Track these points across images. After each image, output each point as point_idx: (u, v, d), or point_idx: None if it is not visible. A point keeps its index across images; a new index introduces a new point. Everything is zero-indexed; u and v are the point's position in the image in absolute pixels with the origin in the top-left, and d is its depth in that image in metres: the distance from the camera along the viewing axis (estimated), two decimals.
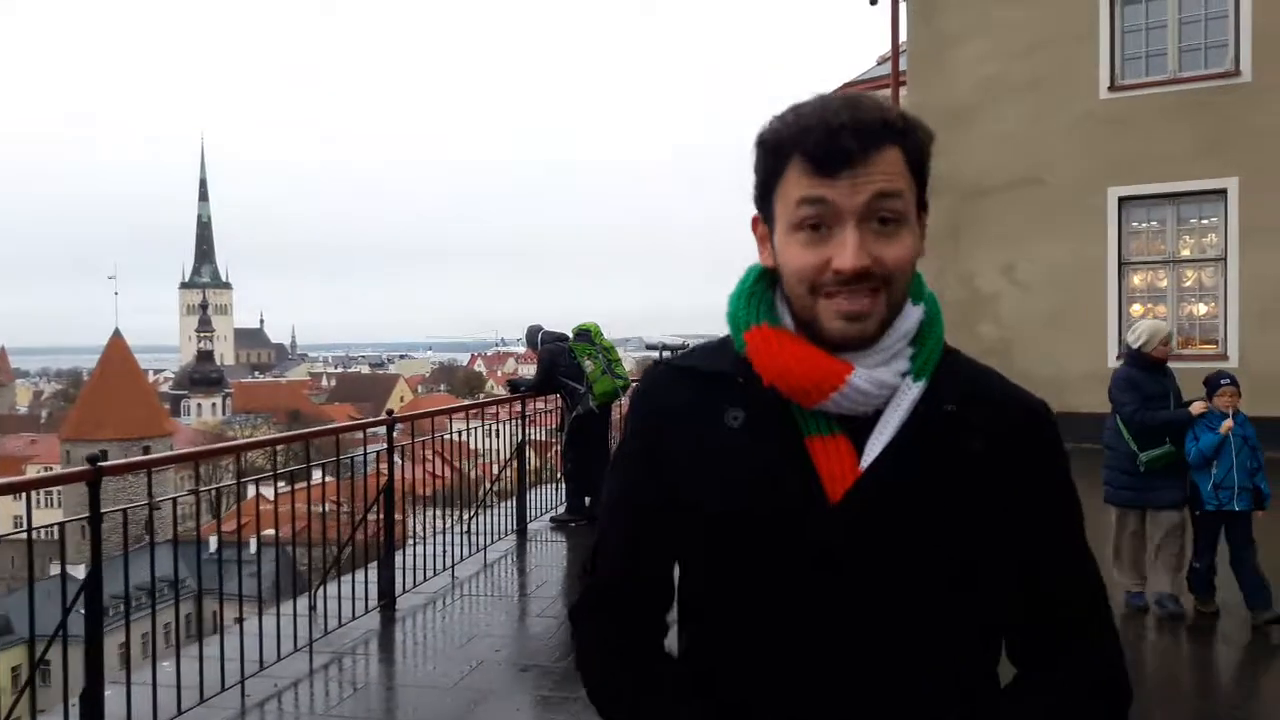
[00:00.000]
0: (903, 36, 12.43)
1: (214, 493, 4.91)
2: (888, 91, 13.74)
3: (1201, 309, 10.70)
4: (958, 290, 11.47)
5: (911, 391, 1.02)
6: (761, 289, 1.09)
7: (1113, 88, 10.83)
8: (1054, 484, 1.08)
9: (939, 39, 11.76)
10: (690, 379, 1.10)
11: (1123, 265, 10.88)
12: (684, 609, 1.13)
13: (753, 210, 1.10)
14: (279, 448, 5.21)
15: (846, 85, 16.57)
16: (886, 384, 1.01)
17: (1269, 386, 9.90)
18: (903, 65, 12.57)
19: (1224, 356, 10.31)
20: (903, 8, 12.38)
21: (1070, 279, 10.91)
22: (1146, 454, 5.00)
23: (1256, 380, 10.09)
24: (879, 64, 16.21)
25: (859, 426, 1.02)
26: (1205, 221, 10.70)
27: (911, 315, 1.04)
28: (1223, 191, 10.34)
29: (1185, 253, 10.77)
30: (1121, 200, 10.82)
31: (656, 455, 1.09)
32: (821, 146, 0.97)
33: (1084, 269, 10.88)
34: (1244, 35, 10.22)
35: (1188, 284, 10.78)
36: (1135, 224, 10.93)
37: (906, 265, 1.00)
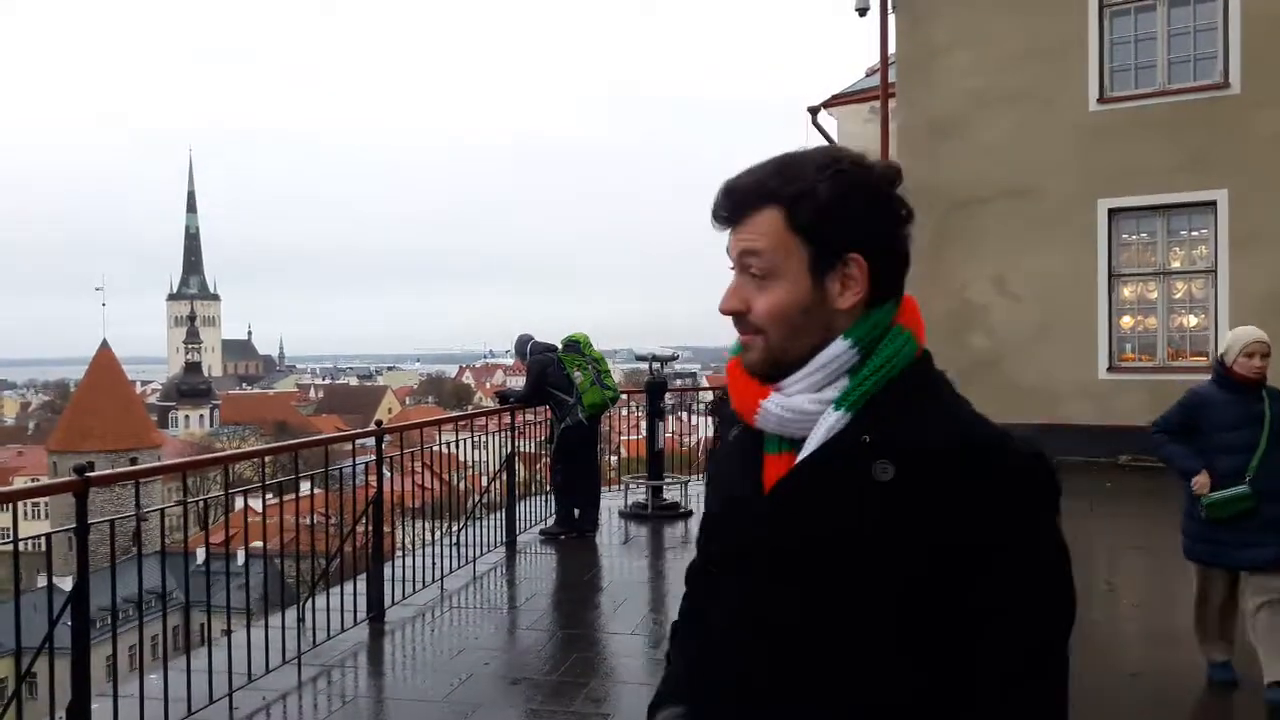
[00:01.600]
0: (892, 48, 12.48)
1: (202, 504, 4.86)
2: (876, 103, 13.82)
3: (1192, 320, 10.74)
4: (948, 302, 11.49)
5: (829, 419, 1.11)
6: None
7: (1102, 99, 10.89)
8: (1001, 541, 1.02)
9: (928, 50, 11.81)
10: (726, 405, 1.29)
11: (1113, 277, 10.92)
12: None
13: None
14: (267, 459, 5.17)
15: (835, 97, 16.64)
16: (801, 410, 1.12)
17: None
18: (892, 76, 12.62)
19: None
20: (891, 19, 12.45)
21: (1060, 291, 10.94)
22: (1209, 498, 4.03)
23: None
24: (868, 75, 16.28)
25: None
26: (1195, 233, 10.75)
27: (832, 349, 1.11)
28: (1212, 203, 10.39)
29: (1175, 264, 10.81)
30: (1111, 212, 10.86)
31: (710, 479, 1.36)
32: (713, 208, 1.16)
33: (1074, 280, 10.92)
34: (1233, 48, 10.28)
35: (1178, 296, 10.82)
36: (1125, 236, 10.98)
37: (769, 312, 1.12)
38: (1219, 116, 10.28)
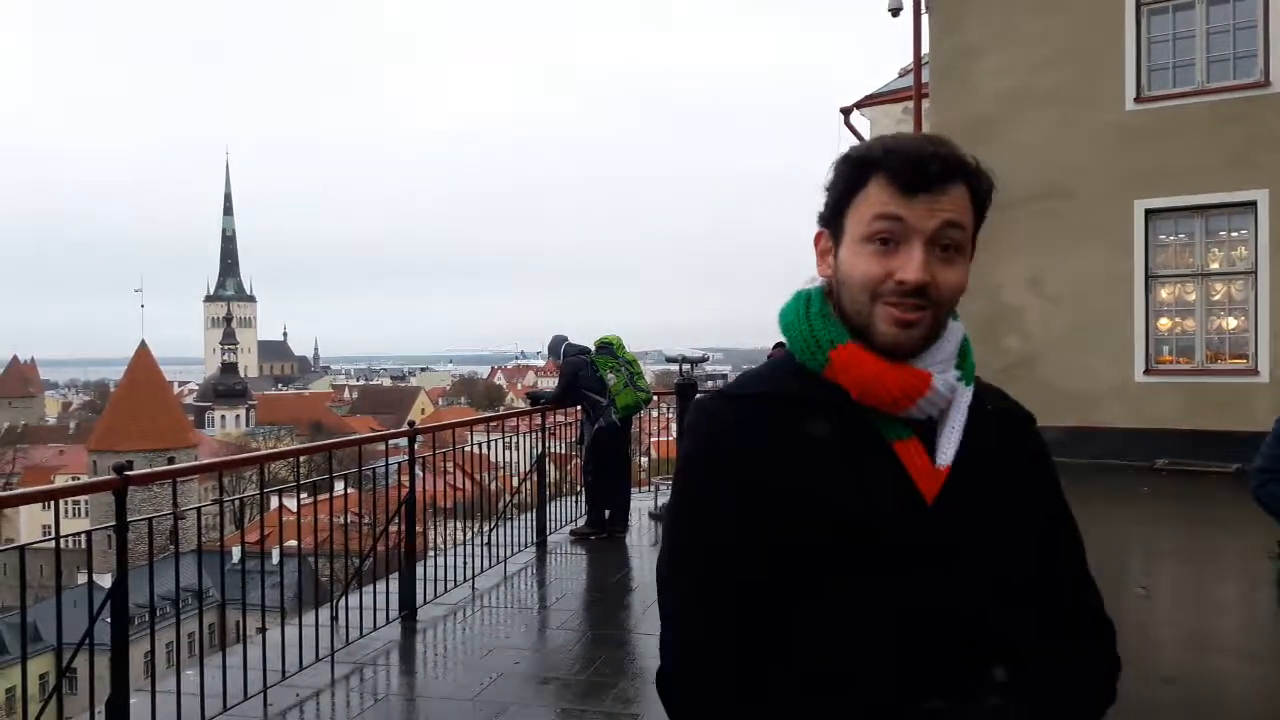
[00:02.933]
0: (925, 48, 12.40)
1: (237, 503, 4.94)
2: (910, 104, 13.72)
3: (1231, 323, 10.56)
4: (983, 303, 11.37)
5: (966, 395, 1.14)
6: (829, 310, 1.16)
7: (1139, 99, 10.74)
8: (1056, 480, 1.22)
9: (961, 51, 11.71)
10: (759, 404, 1.14)
11: (1150, 278, 10.77)
12: (767, 644, 1.09)
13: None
14: (301, 459, 5.24)
15: (869, 98, 16.56)
16: (954, 387, 1.13)
17: None
18: (925, 77, 12.53)
19: (1255, 371, 10.17)
20: (924, 20, 12.36)
21: (1097, 292, 10.81)
22: None
23: None
24: (900, 76, 16.18)
25: (927, 431, 1.13)
26: (1234, 234, 10.56)
27: (957, 331, 1.16)
28: (1252, 204, 10.21)
29: (1214, 266, 10.64)
30: (1149, 213, 10.70)
31: (740, 492, 1.10)
32: (907, 169, 1.08)
33: (1111, 282, 10.77)
34: (1274, 45, 10.10)
35: (1216, 297, 10.64)
36: (1163, 237, 10.82)
37: (957, 290, 1.11)
38: (1259, 115, 10.10)
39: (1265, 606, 5.42)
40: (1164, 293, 10.83)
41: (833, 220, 1.15)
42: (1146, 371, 10.70)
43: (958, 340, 1.16)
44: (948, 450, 1.11)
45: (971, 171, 1.11)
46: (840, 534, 1.07)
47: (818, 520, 1.07)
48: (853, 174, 1.12)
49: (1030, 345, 10.99)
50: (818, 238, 1.19)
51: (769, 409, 1.13)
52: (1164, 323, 10.83)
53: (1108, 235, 10.79)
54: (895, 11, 13.37)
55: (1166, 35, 10.72)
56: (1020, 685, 1.10)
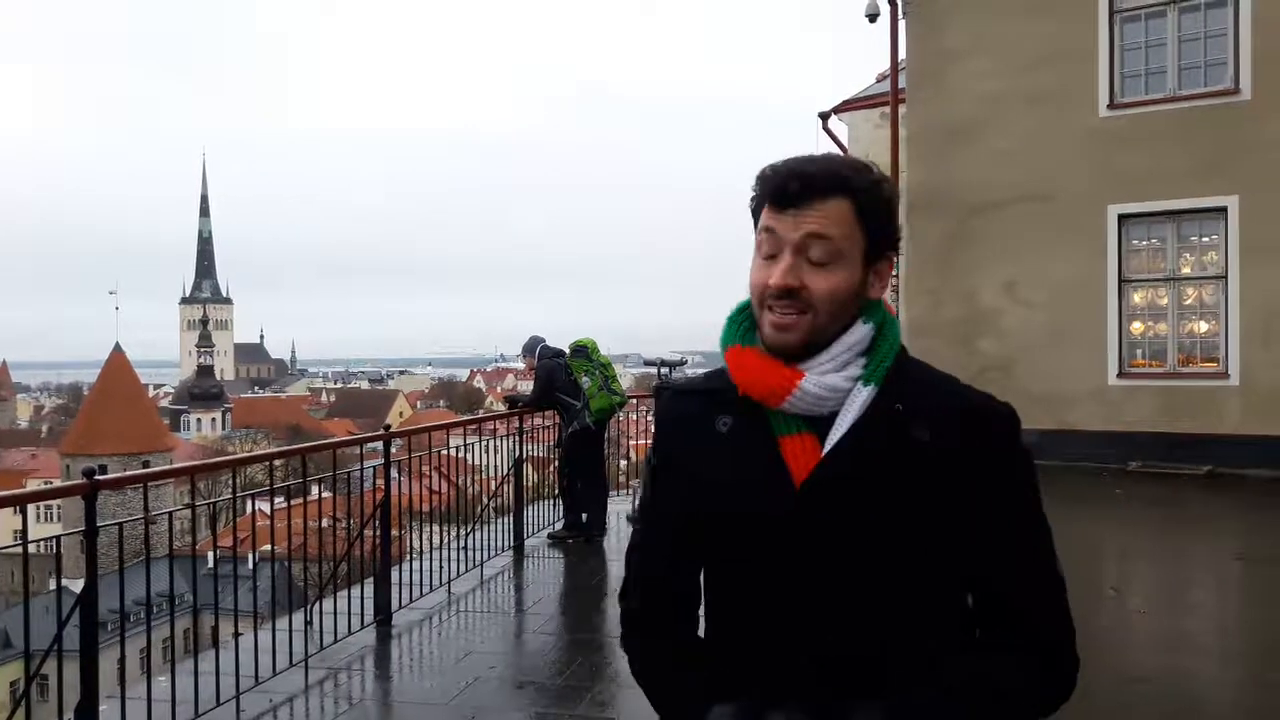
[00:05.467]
0: (902, 53, 12.48)
1: (211, 507, 4.89)
2: (887, 108, 13.81)
3: (1203, 326, 10.69)
4: (959, 306, 11.47)
5: (862, 394, 1.20)
6: (746, 316, 1.28)
7: (1112, 105, 10.86)
8: (1003, 477, 1.21)
9: (939, 55, 11.80)
10: (692, 397, 1.34)
11: (1123, 283, 10.88)
12: (706, 605, 1.34)
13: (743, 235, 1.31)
14: (277, 463, 5.19)
15: (847, 103, 16.64)
16: (836, 387, 1.20)
17: (1272, 405, 9.90)
18: (903, 82, 12.62)
19: (1225, 375, 10.30)
20: (902, 24, 12.44)
21: (1071, 296, 10.91)
22: None
23: (1259, 399, 10.10)
24: (879, 81, 16.27)
25: (825, 427, 1.21)
26: (1206, 239, 10.70)
27: (858, 331, 1.22)
28: (1223, 209, 10.34)
29: (1186, 270, 10.77)
30: (1121, 218, 10.82)
31: (669, 466, 1.32)
32: (772, 187, 1.21)
33: (1085, 286, 10.88)
34: (1243, 54, 10.24)
35: (1188, 302, 10.77)
36: (1136, 242, 10.94)
37: (831, 295, 1.19)
38: (1230, 122, 10.24)
39: (1236, 607, 5.49)
40: (1137, 297, 10.95)
41: (755, 236, 1.27)
42: (1120, 375, 10.82)
43: (855, 340, 1.22)
44: (830, 445, 1.19)
45: (845, 184, 1.19)
46: (713, 508, 1.25)
47: (699, 495, 1.26)
48: (756, 194, 1.25)
49: (1006, 348, 11.08)
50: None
51: (693, 401, 1.32)
52: (1137, 326, 10.95)
53: (1082, 240, 10.90)
54: (873, 17, 13.43)
55: (1139, 42, 10.85)
56: (901, 680, 1.16)
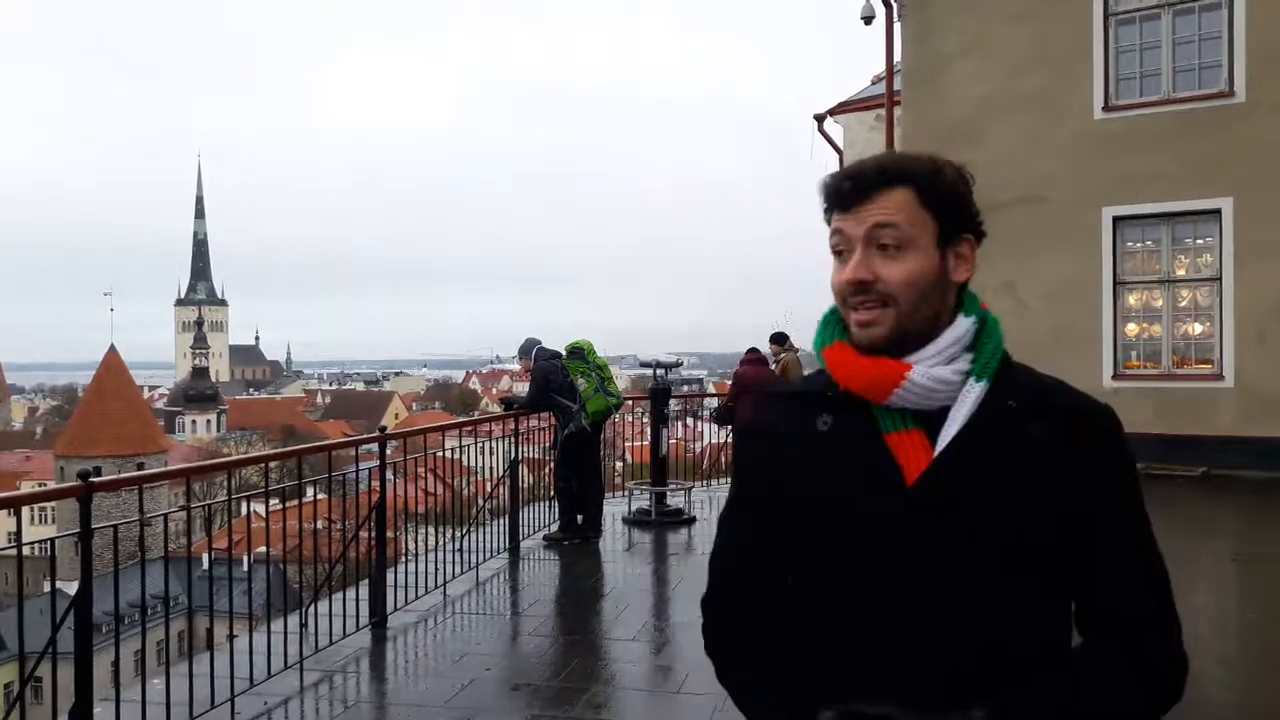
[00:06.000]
0: (898, 56, 12.50)
1: (206, 509, 4.89)
2: (882, 110, 13.83)
3: (1197, 328, 10.72)
4: None
5: (975, 389, 1.19)
6: (837, 319, 1.28)
7: (1107, 107, 10.89)
8: (1116, 479, 1.21)
9: (934, 58, 11.83)
10: (784, 400, 1.34)
11: (1118, 285, 10.91)
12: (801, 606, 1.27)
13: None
14: (272, 465, 5.19)
15: (842, 105, 16.66)
16: (946, 380, 1.19)
17: (1266, 406, 9.93)
18: (897, 84, 12.63)
19: (1219, 376, 10.33)
20: (897, 27, 12.46)
21: (1066, 298, 10.93)
22: None
23: (1253, 400, 10.13)
24: (873, 83, 16.29)
25: (933, 423, 1.19)
26: (1200, 241, 10.73)
27: (961, 325, 1.23)
28: (1217, 211, 10.37)
29: (1180, 272, 10.79)
30: (1116, 220, 10.85)
31: (761, 467, 1.30)
32: (833, 190, 1.24)
33: (1080, 288, 10.91)
34: (1238, 55, 10.27)
35: (1183, 304, 10.80)
36: (1130, 244, 10.96)
37: (907, 281, 1.19)
38: (1224, 125, 10.27)
39: (1233, 610, 5.50)
40: (1132, 299, 10.98)
41: None
42: (1115, 376, 10.84)
43: (959, 334, 1.21)
44: (943, 442, 1.17)
45: (902, 174, 1.21)
46: (817, 508, 1.21)
47: (799, 496, 1.23)
48: (825, 206, 1.27)
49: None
50: None
51: (786, 403, 1.31)
52: (1132, 328, 10.98)
53: (1077, 241, 10.92)
54: (868, 19, 13.45)
55: (1134, 45, 10.88)
56: (1014, 681, 1.13)
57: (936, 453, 1.17)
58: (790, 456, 1.25)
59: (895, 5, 12.82)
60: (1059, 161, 10.98)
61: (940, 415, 1.19)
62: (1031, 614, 1.17)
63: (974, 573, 1.15)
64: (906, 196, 1.20)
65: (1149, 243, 10.90)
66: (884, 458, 1.19)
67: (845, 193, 1.22)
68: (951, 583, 1.15)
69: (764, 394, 1.40)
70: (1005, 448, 1.16)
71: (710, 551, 1.38)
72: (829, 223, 1.26)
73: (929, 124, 11.73)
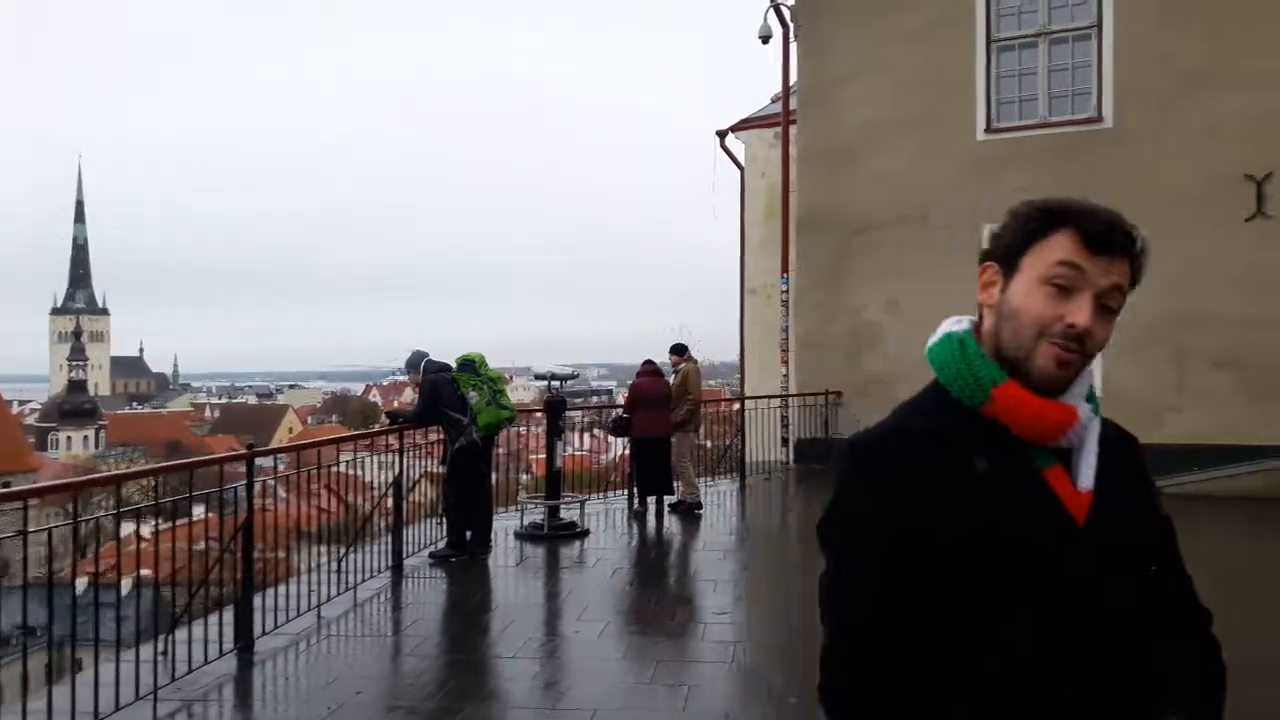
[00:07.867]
0: (794, 75, 12.74)
1: (75, 530, 4.51)
2: (778, 129, 14.06)
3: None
4: (848, 322, 11.72)
5: (1095, 423, 1.25)
6: (983, 350, 1.27)
7: (989, 130, 11.29)
8: (1156, 490, 1.33)
9: (826, 79, 12.08)
10: (919, 440, 1.22)
11: None
12: (950, 671, 1.16)
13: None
14: (144, 482, 4.89)
15: (743, 122, 16.89)
16: (1091, 418, 1.24)
17: (1132, 416, 10.38)
18: (794, 104, 12.86)
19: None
20: (793, 47, 12.69)
21: (949, 314, 11.21)
22: None
23: (1120, 412, 10.59)
24: (773, 102, 16.57)
25: (1064, 458, 1.22)
26: None
27: (1089, 370, 1.26)
28: None
29: None
30: None
31: (913, 519, 1.17)
32: (1100, 229, 1.21)
33: (963, 305, 11.10)
34: (1106, 84, 10.79)
35: None
36: None
37: (1103, 345, 1.23)
38: (1093, 148, 10.75)
39: (1221, 614, 5.68)
40: None
41: (1008, 258, 1.26)
42: None
43: (1090, 378, 1.26)
44: (1088, 474, 1.21)
45: (1134, 250, 1.23)
46: (1005, 560, 1.15)
47: (985, 549, 1.15)
48: (1042, 221, 1.23)
49: (889, 365, 11.34)
50: (985, 269, 1.32)
51: (934, 446, 1.21)
52: None
53: (960, 260, 11.19)
54: (765, 39, 13.68)
55: (1014, 71, 11.32)
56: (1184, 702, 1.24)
57: (1080, 487, 1.20)
58: (951, 505, 1.16)
59: (791, 26, 13.07)
60: (944, 181, 11.33)
61: (1067, 448, 1.23)
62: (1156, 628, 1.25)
63: (1140, 601, 1.21)
64: (1127, 266, 1.23)
65: None
66: (1051, 499, 1.19)
67: (1112, 240, 1.21)
68: (1125, 615, 1.18)
69: (896, 433, 1.26)
70: (1125, 476, 1.26)
71: (836, 626, 1.20)
72: (1034, 236, 1.23)
73: (820, 143, 11.98)
